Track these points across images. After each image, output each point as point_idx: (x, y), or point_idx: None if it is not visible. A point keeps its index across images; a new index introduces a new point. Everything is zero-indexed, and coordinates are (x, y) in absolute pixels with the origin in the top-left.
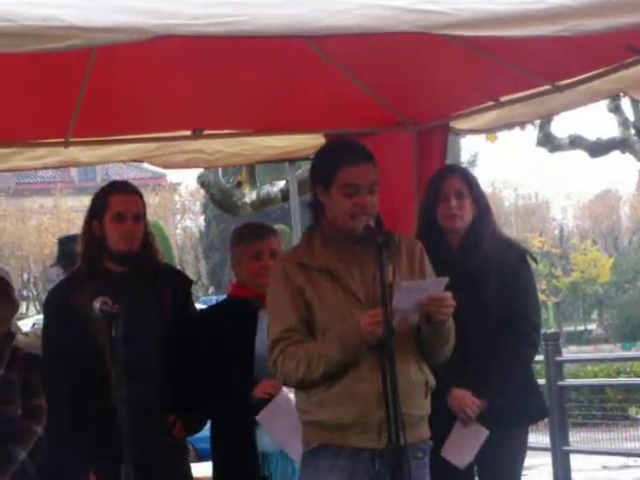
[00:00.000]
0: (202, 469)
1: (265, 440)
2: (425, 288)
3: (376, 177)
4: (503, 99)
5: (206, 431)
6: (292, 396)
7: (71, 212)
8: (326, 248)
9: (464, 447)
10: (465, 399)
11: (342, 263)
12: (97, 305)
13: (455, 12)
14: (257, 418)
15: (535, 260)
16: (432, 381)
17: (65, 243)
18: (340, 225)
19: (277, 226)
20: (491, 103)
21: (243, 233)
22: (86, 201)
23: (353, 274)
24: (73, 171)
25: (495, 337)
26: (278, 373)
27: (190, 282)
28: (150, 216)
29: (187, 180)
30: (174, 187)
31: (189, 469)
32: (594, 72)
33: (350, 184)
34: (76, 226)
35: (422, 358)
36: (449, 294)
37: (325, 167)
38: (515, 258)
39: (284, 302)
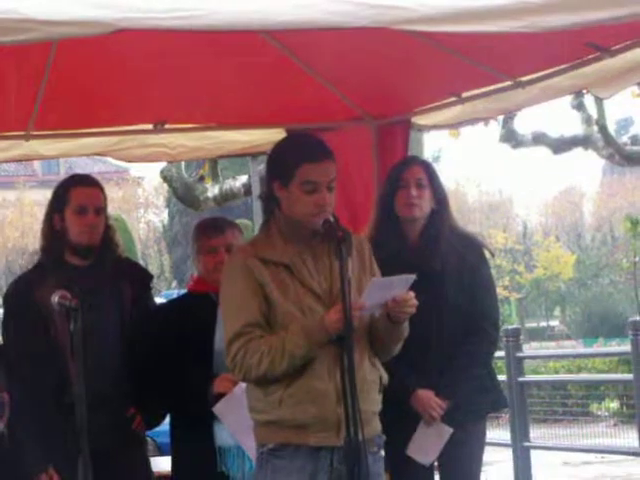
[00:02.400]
0: (161, 463)
1: (223, 435)
2: (393, 285)
3: (335, 174)
4: (465, 95)
5: (166, 425)
6: None
7: (34, 206)
8: (284, 242)
9: (428, 446)
10: (429, 400)
11: (299, 258)
12: (55, 299)
13: (415, 7)
14: (213, 409)
15: (492, 254)
16: (385, 377)
17: None
18: (298, 221)
19: (239, 221)
20: (453, 99)
21: (201, 228)
22: (49, 195)
23: (310, 269)
24: (36, 164)
25: (455, 334)
26: (237, 368)
27: (150, 277)
28: (113, 210)
29: (151, 174)
30: (137, 181)
31: (148, 463)
32: (556, 68)
33: (311, 181)
34: (39, 220)
35: (375, 354)
36: (412, 295)
37: (285, 162)
38: (474, 253)
39: (245, 296)
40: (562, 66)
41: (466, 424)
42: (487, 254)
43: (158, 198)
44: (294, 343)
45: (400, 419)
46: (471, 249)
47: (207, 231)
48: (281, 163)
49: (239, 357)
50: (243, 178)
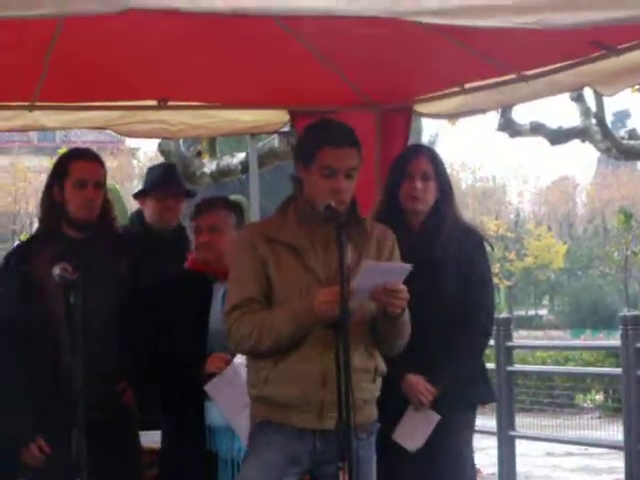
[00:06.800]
0: (151, 438)
1: (213, 414)
2: (389, 271)
3: (358, 163)
4: (468, 86)
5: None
6: (242, 371)
7: (28, 172)
8: (297, 224)
9: (416, 432)
10: (419, 385)
11: (309, 241)
12: (57, 271)
13: (425, 0)
14: (205, 387)
15: (492, 246)
16: (382, 367)
17: None
18: (314, 204)
19: (234, 197)
20: (456, 89)
21: (193, 208)
22: (44, 161)
23: (318, 253)
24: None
25: (450, 325)
26: (232, 338)
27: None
28: (108, 180)
29: (146, 145)
30: (132, 152)
31: (137, 437)
32: (560, 64)
33: (328, 166)
34: (33, 186)
35: (373, 344)
36: (404, 287)
37: (308, 144)
38: (473, 245)
39: (248, 271)
40: (566, 62)
41: (454, 413)
42: (487, 247)
43: None
44: (282, 321)
45: (388, 403)
46: (471, 241)
47: (193, 211)
48: (305, 144)
49: (234, 327)
50: (241, 155)
